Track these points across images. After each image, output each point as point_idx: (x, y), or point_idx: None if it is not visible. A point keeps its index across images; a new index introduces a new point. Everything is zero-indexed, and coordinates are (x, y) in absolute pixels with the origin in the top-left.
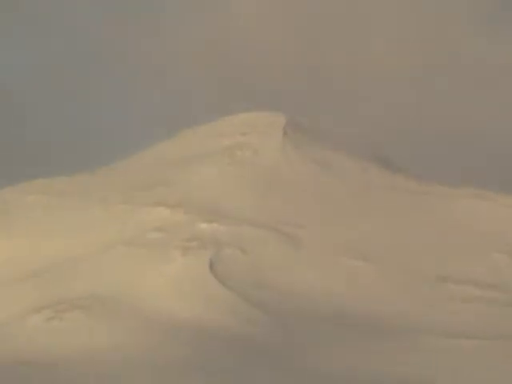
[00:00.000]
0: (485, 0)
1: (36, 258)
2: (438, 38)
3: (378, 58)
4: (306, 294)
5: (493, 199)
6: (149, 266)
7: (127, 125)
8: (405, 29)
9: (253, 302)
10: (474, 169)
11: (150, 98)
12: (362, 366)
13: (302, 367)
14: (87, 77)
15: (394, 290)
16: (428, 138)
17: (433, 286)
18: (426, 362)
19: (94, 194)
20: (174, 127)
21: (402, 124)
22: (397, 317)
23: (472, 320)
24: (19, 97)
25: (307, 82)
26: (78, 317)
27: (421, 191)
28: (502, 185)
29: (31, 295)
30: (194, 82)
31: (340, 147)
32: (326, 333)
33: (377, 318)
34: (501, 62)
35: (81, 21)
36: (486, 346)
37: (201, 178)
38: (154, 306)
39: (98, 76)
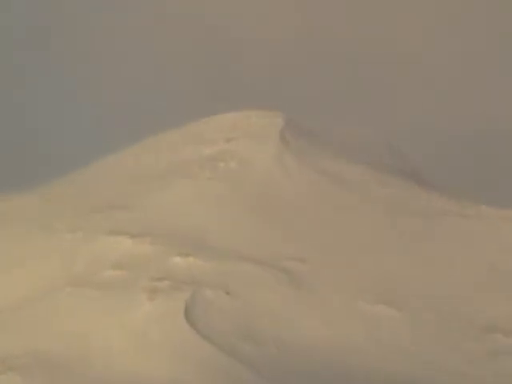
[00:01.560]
0: None
1: None
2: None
3: (397, 43)
4: (311, 348)
5: None
6: (106, 313)
7: (76, 128)
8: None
9: (241, 358)
10: None
11: (106, 93)
12: None
13: None
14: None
15: (427, 344)
16: (466, 145)
17: (478, 339)
18: None
19: (32, 220)
20: (137, 131)
21: (433, 126)
22: (430, 378)
23: None
24: None
25: (310, 74)
26: (12, 380)
27: (461, 214)
28: None
29: None
30: (163, 73)
31: (353, 156)
32: None
33: (404, 381)
34: None
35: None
36: None
37: (173, 197)
38: (112, 366)
39: (35, 67)
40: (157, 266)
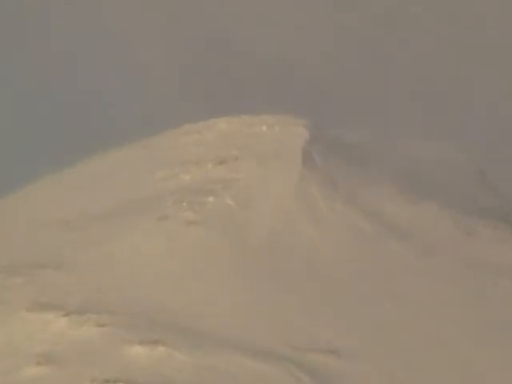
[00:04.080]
0: None
1: None
2: None
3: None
4: None
5: None
6: None
7: None
8: None
9: None
10: None
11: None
12: None
13: None
14: None
15: None
16: None
17: None
18: None
19: None
20: (76, 147)
21: None
22: None
23: None
24: None
25: (347, 68)
26: None
27: None
28: None
29: None
30: (122, 60)
31: (418, 187)
32: None
33: None
34: None
35: None
36: None
37: (132, 252)
38: None
39: None
40: (106, 359)
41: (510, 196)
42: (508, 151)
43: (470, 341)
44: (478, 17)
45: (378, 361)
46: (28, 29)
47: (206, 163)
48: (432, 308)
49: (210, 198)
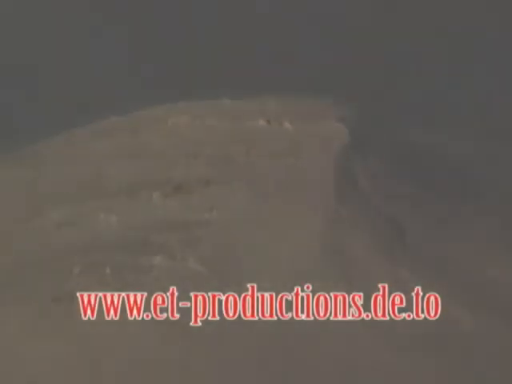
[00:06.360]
0: None
1: None
2: None
3: None
4: None
5: None
6: None
7: None
8: None
9: None
10: None
11: None
12: None
13: None
14: None
15: None
16: None
17: None
18: None
19: None
20: None
21: None
22: None
23: None
24: None
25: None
26: None
27: None
28: None
29: None
30: None
31: None
32: None
33: None
34: None
35: None
36: None
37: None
38: None
39: None
40: None
41: None
42: None
43: None
44: None
45: None
46: None
47: (150, 191)
48: None
49: (157, 260)
